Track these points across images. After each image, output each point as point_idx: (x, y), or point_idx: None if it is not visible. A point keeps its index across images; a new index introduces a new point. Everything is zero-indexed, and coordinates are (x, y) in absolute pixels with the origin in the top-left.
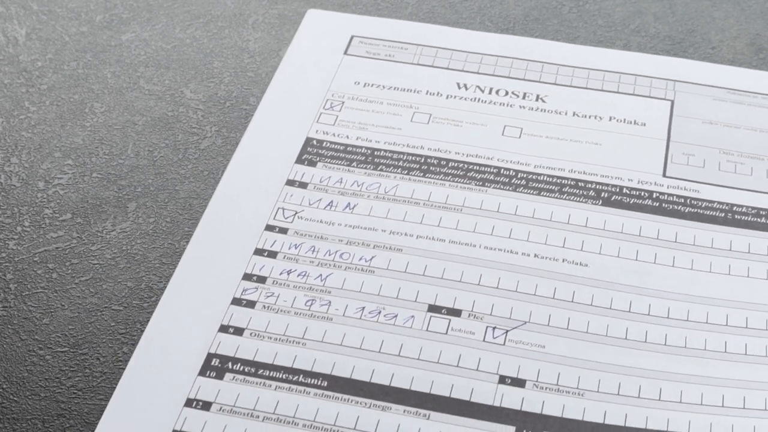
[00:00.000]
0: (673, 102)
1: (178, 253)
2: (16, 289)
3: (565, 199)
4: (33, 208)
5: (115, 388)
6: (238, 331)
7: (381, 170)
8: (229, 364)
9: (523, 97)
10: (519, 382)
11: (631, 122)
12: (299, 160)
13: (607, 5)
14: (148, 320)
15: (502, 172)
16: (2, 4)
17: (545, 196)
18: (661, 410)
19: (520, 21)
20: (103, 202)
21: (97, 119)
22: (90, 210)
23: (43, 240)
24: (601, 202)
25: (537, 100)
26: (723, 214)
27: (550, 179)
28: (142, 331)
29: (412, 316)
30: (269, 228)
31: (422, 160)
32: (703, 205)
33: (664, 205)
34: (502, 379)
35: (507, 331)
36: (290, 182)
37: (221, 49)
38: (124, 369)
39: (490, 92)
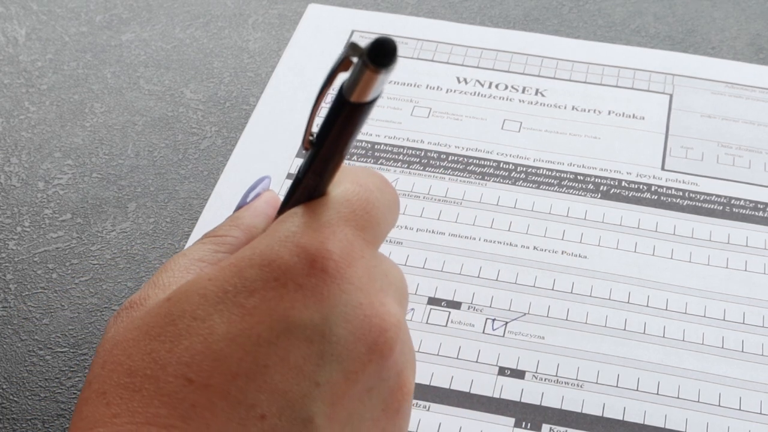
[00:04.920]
0: (671, 96)
1: (177, 253)
2: (16, 289)
3: (564, 192)
4: (33, 208)
5: None
6: None
7: (381, 164)
8: None
9: (523, 91)
10: (518, 374)
11: (629, 116)
12: (300, 154)
13: (607, 5)
14: None
15: (501, 165)
16: (2, 4)
17: (544, 189)
18: (659, 405)
19: (520, 21)
20: (103, 202)
21: (97, 119)
22: (90, 210)
23: (43, 240)
24: (600, 195)
25: (536, 94)
26: (721, 207)
27: (550, 173)
28: None
29: (412, 309)
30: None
31: (422, 154)
32: (702, 198)
33: (662, 198)
34: (502, 371)
35: (506, 323)
36: (291, 176)
37: (221, 49)
38: None
39: (489, 86)
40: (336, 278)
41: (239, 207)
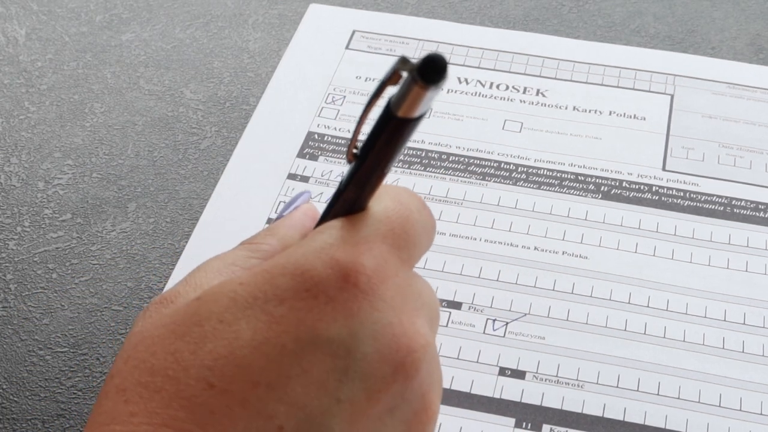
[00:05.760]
0: (672, 96)
1: (177, 253)
2: (16, 289)
3: (565, 192)
4: (33, 208)
5: None
6: None
7: None
8: None
9: (524, 92)
10: (519, 374)
11: (631, 116)
12: (301, 154)
13: (607, 5)
14: None
15: (502, 166)
16: (2, 4)
17: (545, 189)
18: (660, 405)
19: (520, 21)
20: (103, 202)
21: (97, 119)
22: (90, 210)
23: (43, 240)
24: (600, 195)
25: (537, 94)
26: (722, 208)
27: (550, 173)
28: None
29: None
30: (270, 221)
31: (423, 154)
32: (702, 199)
33: (663, 198)
34: (502, 371)
35: (507, 323)
36: (292, 176)
37: (221, 49)
38: None
39: (490, 87)
40: (368, 294)
41: (278, 219)
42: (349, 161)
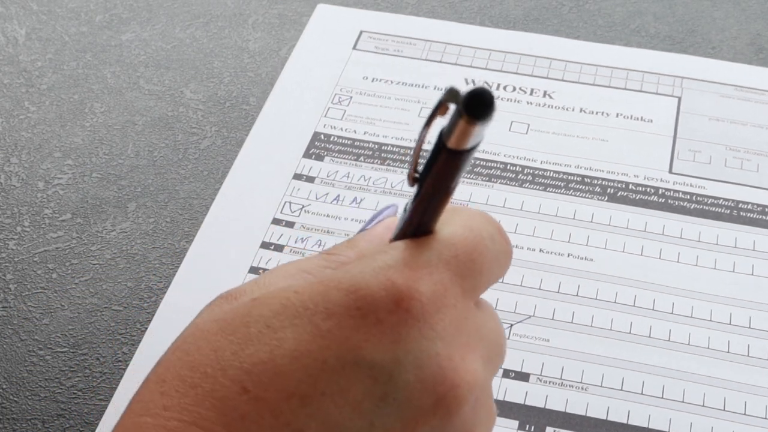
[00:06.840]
0: (680, 99)
1: (178, 253)
2: (16, 289)
3: (571, 194)
4: (33, 208)
5: (115, 388)
6: None
7: (388, 165)
8: None
9: (531, 93)
10: (523, 376)
11: (638, 119)
12: (307, 155)
13: (607, 5)
14: (149, 320)
15: (508, 167)
16: (2, 4)
17: (551, 191)
18: (664, 409)
19: (520, 21)
20: (103, 202)
21: (97, 119)
22: (90, 210)
23: (43, 240)
24: (607, 197)
25: (544, 96)
26: (728, 211)
27: (557, 175)
28: (142, 332)
29: None
30: (276, 221)
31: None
32: (709, 202)
33: (669, 201)
34: (506, 373)
35: (512, 325)
36: (297, 176)
37: (221, 49)
38: (124, 369)
39: (497, 88)
40: (419, 321)
41: (361, 231)
42: (410, 185)
